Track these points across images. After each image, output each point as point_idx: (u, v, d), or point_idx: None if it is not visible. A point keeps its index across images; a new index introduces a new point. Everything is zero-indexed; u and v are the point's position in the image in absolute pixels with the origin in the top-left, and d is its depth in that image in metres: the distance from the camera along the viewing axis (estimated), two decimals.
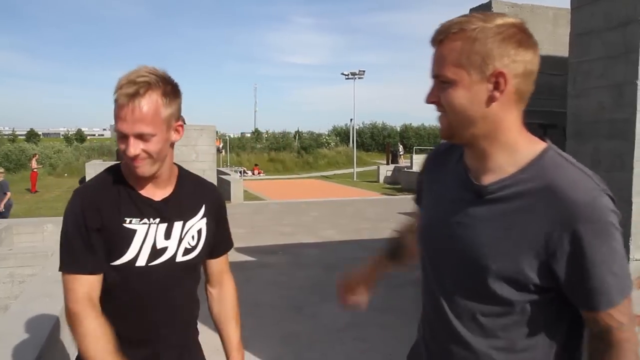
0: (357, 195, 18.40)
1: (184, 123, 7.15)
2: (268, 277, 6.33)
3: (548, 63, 4.48)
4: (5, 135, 62.92)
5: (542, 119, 4.47)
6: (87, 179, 15.00)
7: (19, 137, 66.67)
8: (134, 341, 1.49)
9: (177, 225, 1.52)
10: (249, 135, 62.81)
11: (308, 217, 11.48)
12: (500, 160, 1.11)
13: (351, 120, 41.84)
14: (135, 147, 1.37)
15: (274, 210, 12.67)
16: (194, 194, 1.59)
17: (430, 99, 1.13)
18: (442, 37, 1.08)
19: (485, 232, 1.11)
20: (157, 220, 1.49)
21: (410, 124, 60.11)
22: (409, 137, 53.66)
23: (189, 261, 1.53)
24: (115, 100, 1.36)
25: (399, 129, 59.04)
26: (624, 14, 2.36)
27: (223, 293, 1.74)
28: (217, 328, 1.75)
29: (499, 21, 1.05)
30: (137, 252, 1.45)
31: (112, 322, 1.43)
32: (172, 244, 1.50)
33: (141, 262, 1.46)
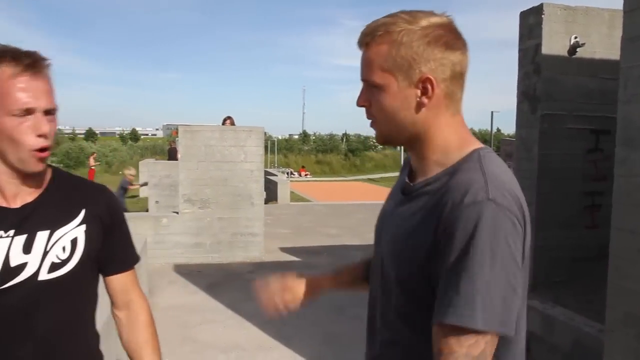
0: None
1: (234, 124, 7.26)
2: None
3: (602, 67, 4.39)
4: (66, 133, 65.92)
5: (594, 125, 4.34)
6: (141, 177, 15.29)
7: (79, 135, 69.77)
8: None
9: (42, 235, 1.25)
10: (296, 137, 63.23)
11: (353, 219, 11.50)
12: (433, 162, 1.07)
13: None
14: (46, 126, 1.19)
15: (320, 212, 12.76)
16: (70, 197, 1.33)
17: (360, 102, 1.10)
18: (368, 40, 1.06)
19: (403, 229, 1.07)
20: (12, 232, 1.22)
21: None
22: None
23: (57, 279, 1.24)
24: (10, 72, 1.16)
25: None
26: None
27: (132, 316, 1.44)
28: (129, 358, 1.47)
29: (424, 22, 1.02)
30: None
31: None
32: (33, 259, 1.22)
33: None
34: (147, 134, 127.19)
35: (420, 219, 1.02)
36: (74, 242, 1.28)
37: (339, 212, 12.67)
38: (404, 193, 1.13)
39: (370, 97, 1.07)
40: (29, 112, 1.16)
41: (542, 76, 4.19)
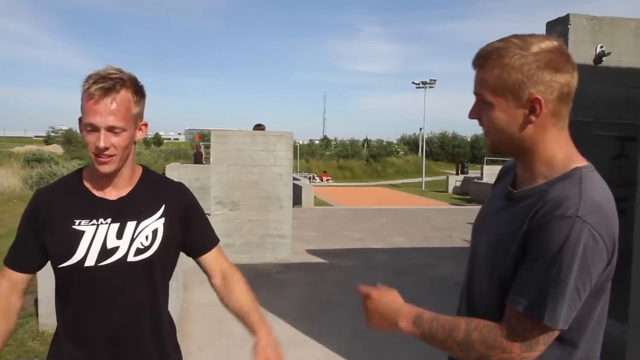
0: (425, 204, 18.32)
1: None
2: (339, 279, 6.55)
3: (628, 75, 4.50)
4: None
5: (620, 132, 4.45)
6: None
7: None
8: (90, 341, 1.50)
9: (130, 225, 1.51)
10: (317, 142, 63.32)
11: (376, 223, 11.63)
12: (538, 174, 1.19)
13: (421, 129, 41.48)
14: (106, 140, 1.40)
15: (343, 216, 12.91)
16: (153, 194, 1.59)
17: (471, 115, 1.23)
18: (481, 62, 1.18)
19: (501, 231, 1.20)
20: (109, 220, 1.50)
21: (482, 134, 58.56)
22: (480, 148, 52.41)
23: (142, 261, 1.51)
24: (88, 94, 1.39)
25: (469, 139, 57.82)
26: None
27: (229, 283, 1.70)
28: (237, 318, 1.70)
29: (536, 48, 1.12)
30: (85, 253, 1.46)
31: (72, 323, 1.50)
32: (123, 244, 1.49)
33: (90, 262, 1.46)
34: (169, 139, 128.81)
35: (516, 224, 1.15)
36: (154, 232, 1.54)
37: (362, 217, 12.81)
38: (508, 199, 1.25)
39: (481, 111, 1.21)
40: (94, 128, 1.40)
41: None
